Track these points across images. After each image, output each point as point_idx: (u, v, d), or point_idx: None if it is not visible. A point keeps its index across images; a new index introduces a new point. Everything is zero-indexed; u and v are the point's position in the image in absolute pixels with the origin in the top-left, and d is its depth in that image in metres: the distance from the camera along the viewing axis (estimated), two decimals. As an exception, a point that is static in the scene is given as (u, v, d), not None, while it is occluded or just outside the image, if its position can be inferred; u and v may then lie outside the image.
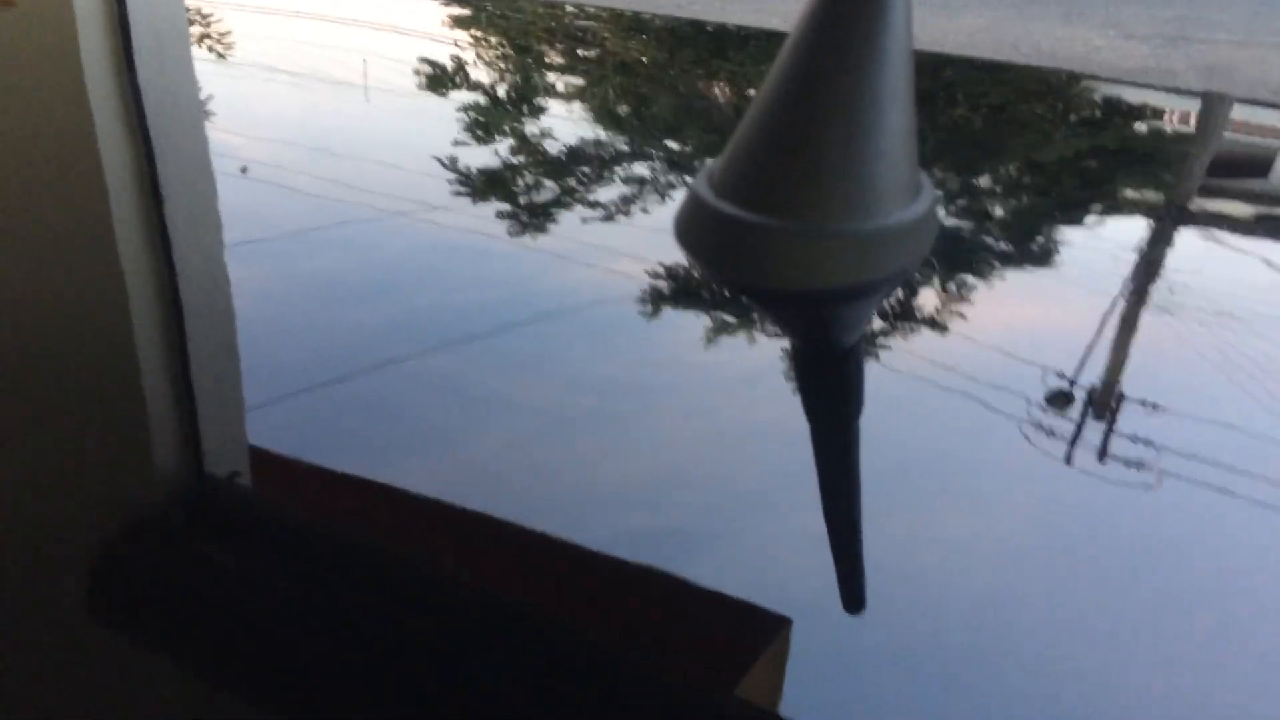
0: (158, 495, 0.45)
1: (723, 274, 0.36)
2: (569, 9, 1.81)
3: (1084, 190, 1.01)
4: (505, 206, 0.82)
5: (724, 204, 0.32)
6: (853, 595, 0.40)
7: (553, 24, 1.75)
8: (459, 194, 0.82)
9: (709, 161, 0.34)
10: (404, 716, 0.33)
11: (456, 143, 0.99)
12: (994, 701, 0.37)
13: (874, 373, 0.58)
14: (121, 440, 0.47)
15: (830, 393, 0.43)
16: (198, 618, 0.37)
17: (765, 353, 0.58)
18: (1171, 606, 0.41)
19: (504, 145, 1.00)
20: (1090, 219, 0.92)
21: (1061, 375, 0.57)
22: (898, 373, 0.57)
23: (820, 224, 0.31)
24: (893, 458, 0.50)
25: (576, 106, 1.22)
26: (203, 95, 1.02)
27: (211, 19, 1.40)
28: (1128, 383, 0.58)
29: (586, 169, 0.94)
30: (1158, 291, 0.73)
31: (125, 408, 0.49)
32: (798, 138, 0.30)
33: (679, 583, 0.40)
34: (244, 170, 0.81)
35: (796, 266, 0.31)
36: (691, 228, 0.34)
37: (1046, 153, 1.14)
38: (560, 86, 1.33)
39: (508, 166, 0.92)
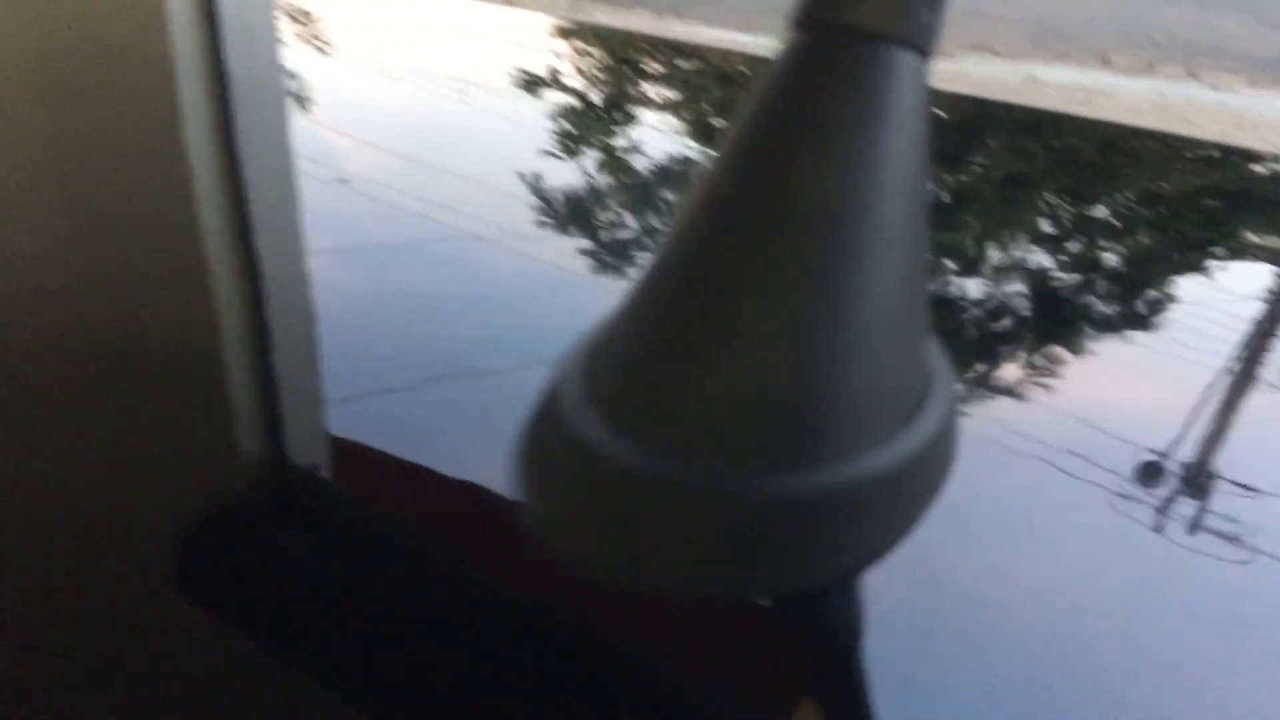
0: (241, 482, 0.46)
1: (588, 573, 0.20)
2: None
3: (1201, 233, 0.97)
4: (587, 244, 0.82)
5: (596, 429, 0.18)
6: None
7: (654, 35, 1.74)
8: (544, 224, 0.82)
9: (579, 339, 0.20)
10: (462, 708, 0.34)
11: (544, 153, 0.99)
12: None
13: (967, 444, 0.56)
14: (207, 429, 0.49)
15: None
16: (274, 602, 0.39)
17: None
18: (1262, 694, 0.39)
19: (591, 161, 1.00)
20: (1207, 267, 0.88)
21: (1154, 451, 0.54)
22: (1006, 449, 0.55)
23: (748, 476, 0.17)
24: (981, 531, 0.49)
25: (671, 119, 1.22)
26: (312, 96, 1.04)
27: (313, 19, 1.43)
28: (1224, 463, 0.55)
29: (672, 196, 0.93)
30: (1271, 362, 0.69)
31: (211, 399, 0.51)
32: (719, 337, 0.18)
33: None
34: (344, 181, 0.83)
35: (720, 560, 0.18)
36: (546, 467, 0.19)
37: (1160, 191, 1.09)
38: (656, 97, 1.33)
39: (592, 192, 0.91)
